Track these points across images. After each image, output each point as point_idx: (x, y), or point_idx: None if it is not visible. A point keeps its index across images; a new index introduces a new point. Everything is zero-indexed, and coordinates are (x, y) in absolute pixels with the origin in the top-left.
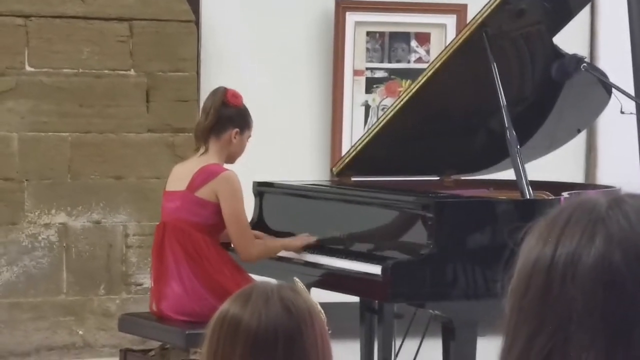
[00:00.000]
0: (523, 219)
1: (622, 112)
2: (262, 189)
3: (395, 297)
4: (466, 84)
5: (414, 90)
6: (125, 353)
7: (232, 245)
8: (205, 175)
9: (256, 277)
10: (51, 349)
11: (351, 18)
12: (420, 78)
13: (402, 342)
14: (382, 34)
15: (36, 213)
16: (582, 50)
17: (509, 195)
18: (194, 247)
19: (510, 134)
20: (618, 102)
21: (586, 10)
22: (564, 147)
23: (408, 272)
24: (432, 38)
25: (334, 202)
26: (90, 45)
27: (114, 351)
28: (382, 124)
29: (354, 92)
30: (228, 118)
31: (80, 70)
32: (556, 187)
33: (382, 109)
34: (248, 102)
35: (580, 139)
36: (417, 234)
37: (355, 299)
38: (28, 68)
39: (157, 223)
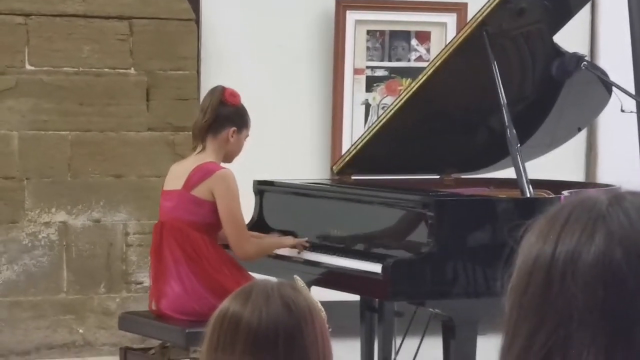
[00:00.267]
0: (523, 218)
1: (622, 111)
2: (262, 188)
3: (395, 295)
4: (466, 83)
5: (414, 89)
6: (125, 352)
7: (229, 244)
8: (201, 174)
9: (256, 276)
10: (51, 348)
11: (351, 16)
12: (420, 77)
13: (403, 340)
14: (382, 32)
15: (36, 212)
16: (583, 49)
17: (509, 194)
18: (193, 246)
19: (511, 133)
20: (618, 101)
21: (586, 8)
22: (565, 146)
23: (408, 270)
24: (433, 37)
25: (334, 200)
26: (90, 44)
27: (114, 350)
28: (382, 122)
29: (354, 91)
30: (226, 117)
31: (81, 69)
32: (556, 186)
33: (383, 108)
34: (248, 100)
35: (581, 137)
36: (418, 233)
37: (355, 297)
38: (28, 67)
39: (157, 222)
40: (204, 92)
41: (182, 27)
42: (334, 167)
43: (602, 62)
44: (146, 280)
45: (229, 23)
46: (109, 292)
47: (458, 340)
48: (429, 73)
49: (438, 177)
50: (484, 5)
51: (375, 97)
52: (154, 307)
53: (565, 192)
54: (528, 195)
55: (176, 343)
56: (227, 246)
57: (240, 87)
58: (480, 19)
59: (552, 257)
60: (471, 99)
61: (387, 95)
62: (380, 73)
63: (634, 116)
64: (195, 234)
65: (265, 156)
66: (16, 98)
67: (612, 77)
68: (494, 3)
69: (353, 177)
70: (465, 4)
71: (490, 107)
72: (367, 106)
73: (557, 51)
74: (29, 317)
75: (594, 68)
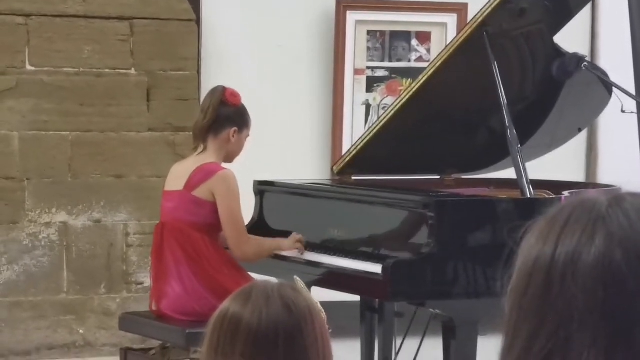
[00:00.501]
0: (524, 218)
1: (622, 111)
2: (262, 188)
3: (395, 296)
4: (467, 83)
5: (414, 89)
6: (125, 352)
7: (228, 245)
8: (202, 175)
9: (256, 276)
10: (52, 348)
11: (352, 17)
12: (420, 77)
13: (403, 341)
14: (382, 32)
15: (37, 212)
16: (583, 49)
17: (509, 194)
18: (193, 247)
19: (511, 133)
20: (619, 101)
21: (587, 9)
22: (565, 146)
23: (408, 271)
24: (433, 37)
25: (334, 201)
26: (91, 44)
27: (114, 350)
28: (382, 122)
29: (354, 91)
30: (226, 117)
31: (81, 69)
32: (557, 187)
33: (383, 108)
34: (249, 100)
35: (581, 138)
36: (418, 233)
37: (355, 298)
38: (29, 67)
39: (158, 222)
40: (204, 92)
41: (182, 27)
42: (334, 168)
43: (603, 63)
44: (146, 280)
45: (229, 23)
46: (109, 292)
47: (458, 341)
48: (429, 73)
49: (438, 177)
50: (485, 6)
51: (375, 97)
52: (154, 308)
53: (565, 193)
54: (528, 196)
55: (176, 343)
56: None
57: (240, 87)
58: (480, 19)
59: (552, 258)
60: (472, 99)
61: (387, 96)
62: (380, 73)
63: (635, 117)
64: (196, 234)
65: (266, 156)
66: (17, 98)
67: (613, 78)
68: (495, 3)
69: (353, 178)
70: (466, 5)
71: (490, 107)
72: (368, 106)
73: (558, 52)
74: (30, 318)
75: (594, 68)
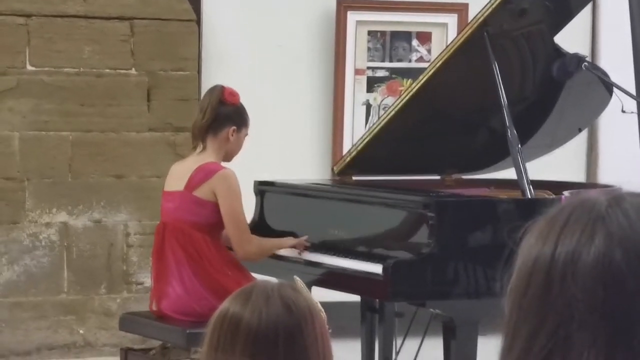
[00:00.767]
0: (524, 218)
1: (623, 111)
2: (263, 188)
3: (396, 296)
4: (467, 83)
5: (415, 90)
6: (126, 352)
7: (231, 244)
8: (202, 174)
9: (257, 276)
10: (52, 348)
11: (352, 17)
12: (421, 77)
13: (403, 341)
14: (383, 33)
15: (37, 212)
16: (583, 50)
17: (510, 195)
18: (195, 247)
19: (511, 133)
20: (619, 101)
21: (587, 9)
22: (565, 146)
23: (409, 271)
24: (434, 37)
25: (335, 201)
26: (91, 45)
27: (114, 350)
28: (383, 123)
29: (355, 91)
30: (225, 116)
31: (82, 70)
32: (557, 187)
33: (383, 108)
34: (249, 101)
35: (582, 138)
36: (418, 233)
37: (356, 298)
38: (29, 67)
39: (158, 222)
40: (204, 92)
41: (183, 27)
42: (334, 168)
43: (603, 63)
44: (147, 280)
45: (229, 23)
46: (109, 292)
47: (459, 341)
48: (429, 74)
49: (439, 177)
50: (485, 6)
51: (376, 97)
52: (154, 308)
53: (566, 193)
54: (529, 196)
55: (177, 344)
56: (230, 247)
57: (241, 87)
58: (481, 19)
59: (552, 258)
60: (472, 99)
61: (388, 96)
62: (381, 73)
63: (635, 117)
64: (197, 234)
65: (266, 156)
66: (17, 98)
67: (613, 78)
68: (495, 4)
69: (354, 178)
70: (466, 5)
71: (491, 107)
72: (368, 107)
73: (558, 52)
74: (30, 318)
75: (594, 69)
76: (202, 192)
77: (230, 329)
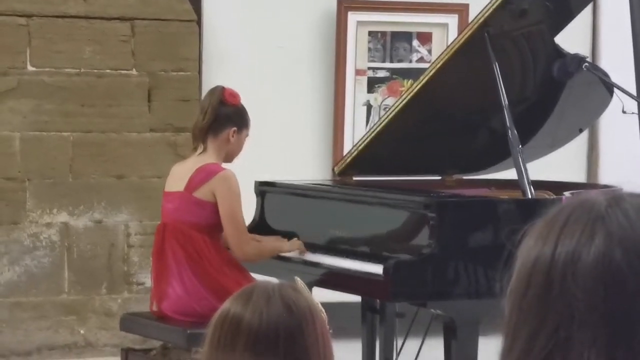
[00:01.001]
0: (525, 219)
1: (624, 112)
2: (263, 189)
3: (396, 296)
4: (468, 84)
5: (415, 90)
6: (126, 352)
7: (229, 245)
8: (203, 175)
9: (258, 277)
10: (53, 349)
11: (353, 18)
12: (421, 78)
13: (404, 341)
14: (384, 33)
15: (38, 212)
16: (584, 50)
17: (510, 195)
18: (195, 248)
19: (512, 134)
20: (620, 102)
21: (588, 9)
22: (566, 147)
23: (410, 271)
24: (434, 38)
25: (335, 201)
26: (92, 45)
27: (115, 350)
28: (383, 123)
29: (355, 92)
30: (226, 117)
31: (82, 70)
32: (558, 187)
33: (384, 109)
34: (250, 101)
35: (582, 138)
36: (419, 234)
37: (357, 298)
38: (30, 67)
39: (159, 223)
40: (205, 93)
41: (183, 28)
42: (335, 168)
43: (604, 63)
44: (147, 280)
45: (230, 24)
46: (110, 292)
47: (459, 341)
48: (430, 74)
49: (439, 178)
50: (486, 7)
51: (376, 98)
52: (155, 309)
53: (566, 193)
54: (529, 197)
55: (177, 344)
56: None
57: (241, 88)
58: (481, 20)
59: (552, 258)
60: (473, 99)
61: (388, 96)
62: (381, 74)
63: (636, 117)
64: (197, 235)
65: (267, 157)
66: (18, 99)
67: (614, 79)
68: (496, 4)
69: (354, 178)
70: (467, 5)
71: (491, 107)
72: (369, 107)
73: (559, 52)
74: (30, 318)
75: (595, 69)
76: (202, 193)
77: (231, 329)
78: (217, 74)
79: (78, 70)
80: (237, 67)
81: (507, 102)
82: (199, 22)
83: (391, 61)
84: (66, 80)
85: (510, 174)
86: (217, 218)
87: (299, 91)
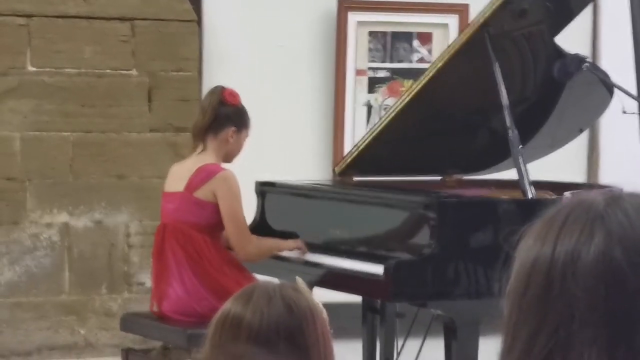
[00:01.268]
0: (525, 219)
1: (624, 112)
2: (264, 189)
3: (397, 296)
4: (468, 84)
5: (416, 90)
6: (127, 353)
7: (231, 244)
8: (203, 176)
9: (258, 277)
10: (53, 349)
11: (353, 18)
12: (422, 78)
13: (404, 341)
14: (384, 33)
15: (38, 213)
16: (584, 50)
17: (511, 195)
18: (195, 248)
19: (512, 134)
20: (620, 102)
21: (588, 9)
22: (566, 147)
23: (410, 271)
24: (434, 38)
25: (336, 201)
26: (92, 45)
27: (115, 351)
28: (384, 123)
29: (356, 92)
30: (226, 117)
31: (82, 70)
32: (558, 187)
33: (384, 109)
34: (250, 101)
35: (583, 138)
36: (420, 234)
37: (357, 298)
38: (30, 68)
39: (159, 223)
40: (205, 93)
41: (183, 28)
42: (335, 168)
43: (604, 64)
44: (148, 281)
45: (230, 24)
46: (110, 293)
47: (460, 342)
48: (430, 74)
49: (440, 178)
50: (486, 7)
51: (377, 98)
52: (155, 309)
53: (566, 193)
54: (530, 197)
55: (177, 344)
56: (229, 248)
57: (241, 88)
58: (482, 20)
59: (552, 258)
60: (473, 100)
61: (389, 97)
62: (382, 74)
63: (636, 117)
64: (197, 235)
65: (267, 157)
66: (18, 99)
67: (614, 79)
68: (496, 4)
69: (355, 178)
70: (467, 5)
71: (491, 108)
72: (369, 107)
73: (559, 52)
74: (31, 318)
75: (595, 69)
76: (202, 194)
77: (231, 329)
78: (217, 73)
79: (78, 70)
80: (237, 67)
81: (507, 102)
82: (199, 22)
83: (391, 61)
84: (66, 81)
85: (510, 174)
86: (217, 218)
87: (299, 91)
